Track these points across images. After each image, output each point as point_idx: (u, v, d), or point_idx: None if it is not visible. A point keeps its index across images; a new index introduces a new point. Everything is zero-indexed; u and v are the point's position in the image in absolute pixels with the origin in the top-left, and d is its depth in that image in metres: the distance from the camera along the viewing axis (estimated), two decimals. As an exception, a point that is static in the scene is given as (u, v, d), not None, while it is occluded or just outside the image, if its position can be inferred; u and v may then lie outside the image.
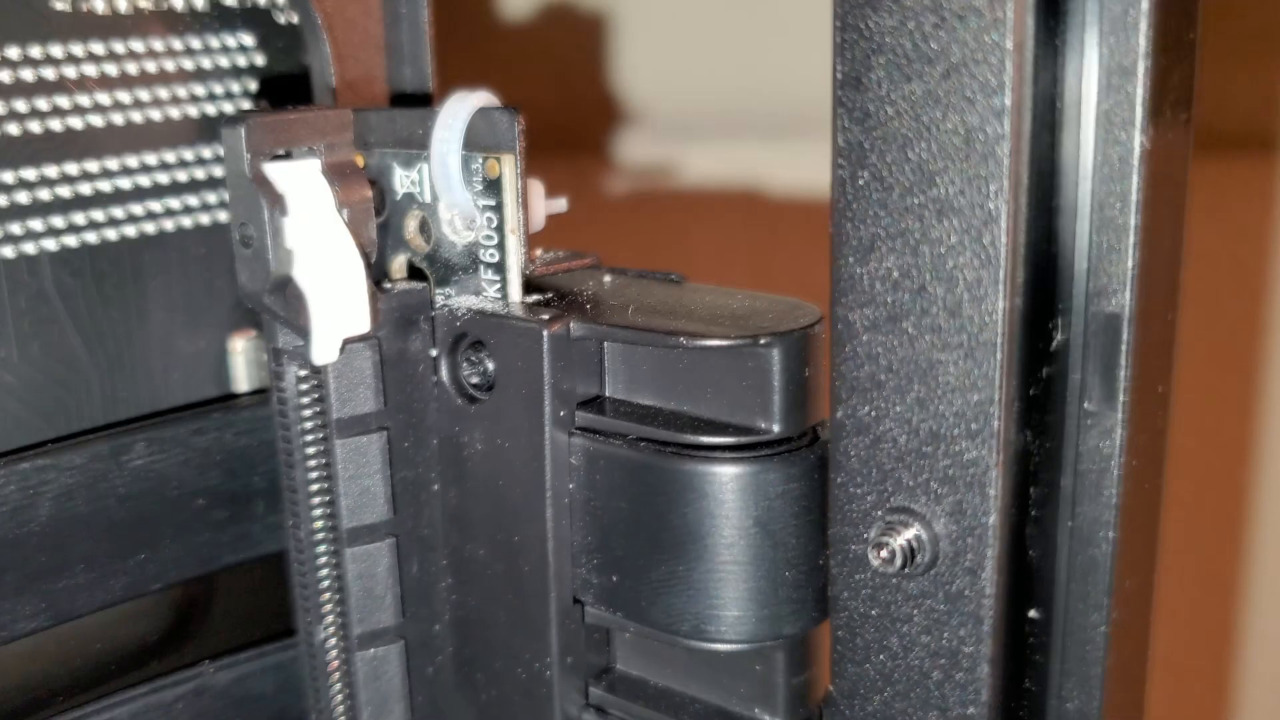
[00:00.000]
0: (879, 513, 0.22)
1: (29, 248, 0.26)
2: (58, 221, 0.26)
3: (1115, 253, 0.21)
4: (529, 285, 0.26)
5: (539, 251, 0.28)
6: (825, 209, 0.22)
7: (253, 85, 0.29)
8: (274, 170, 0.24)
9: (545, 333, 0.25)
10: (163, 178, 0.28)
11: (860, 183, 0.21)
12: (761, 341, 0.24)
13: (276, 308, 0.24)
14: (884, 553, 0.22)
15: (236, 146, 0.24)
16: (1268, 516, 0.52)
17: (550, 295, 0.27)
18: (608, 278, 0.28)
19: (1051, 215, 0.21)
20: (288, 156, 0.25)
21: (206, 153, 0.28)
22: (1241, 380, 0.51)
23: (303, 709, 0.29)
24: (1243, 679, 0.52)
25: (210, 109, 0.28)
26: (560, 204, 0.28)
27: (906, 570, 0.22)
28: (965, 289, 0.21)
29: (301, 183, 0.24)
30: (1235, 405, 0.51)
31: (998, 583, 0.21)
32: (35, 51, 0.26)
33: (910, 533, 0.22)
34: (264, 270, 0.24)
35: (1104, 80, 0.20)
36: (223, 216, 0.29)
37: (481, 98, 0.26)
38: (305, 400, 0.26)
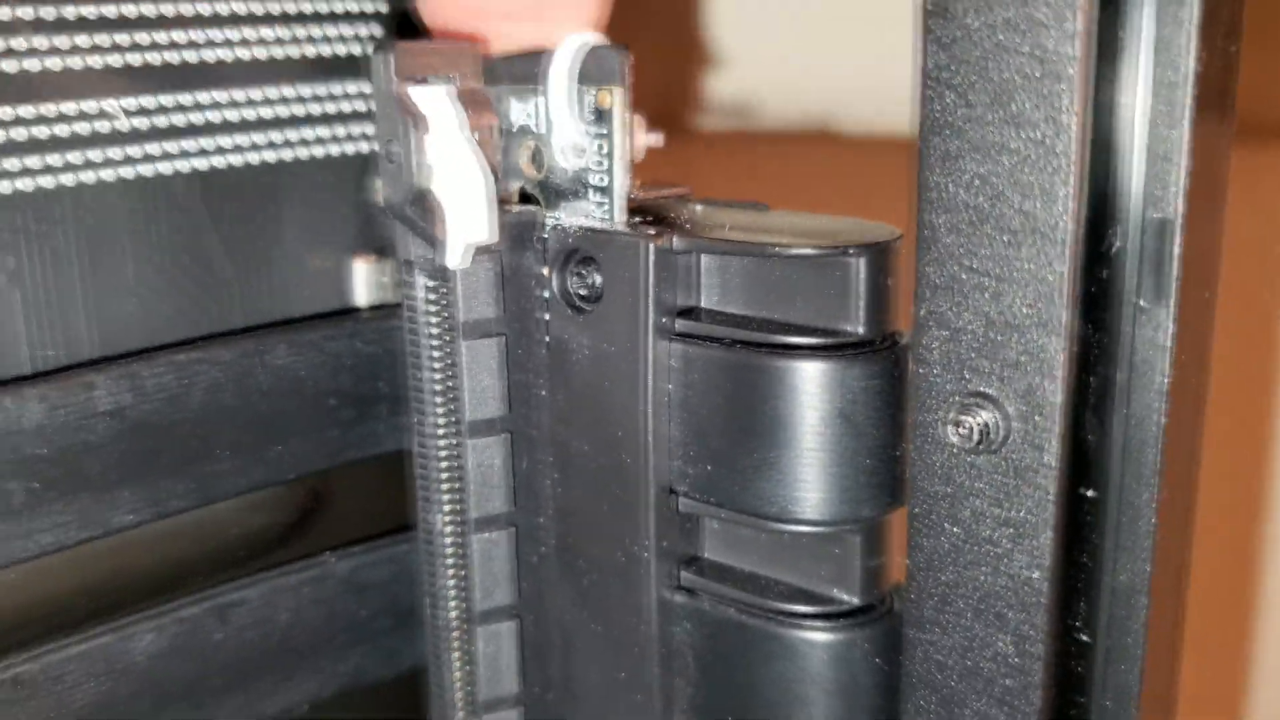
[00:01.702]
0: (957, 398, 0.25)
1: (182, 166, 0.29)
2: (206, 144, 0.29)
3: (1167, 164, 0.24)
4: (630, 209, 0.29)
5: (638, 181, 0.31)
6: (891, 154, 0.25)
7: (378, 29, 0.32)
8: (416, 93, 0.27)
9: (650, 245, 0.28)
10: (298, 110, 0.31)
11: (946, 101, 0.24)
12: (850, 251, 0.27)
13: (415, 217, 0.27)
14: (962, 429, 0.25)
15: (384, 70, 0.27)
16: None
17: (650, 217, 0.29)
18: (699, 205, 0.31)
19: (1111, 132, 0.24)
20: (424, 82, 0.28)
21: (336, 89, 0.31)
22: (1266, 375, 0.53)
23: (413, 597, 0.32)
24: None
25: (340, 49, 0.31)
26: (656, 138, 0.31)
27: (980, 447, 0.25)
28: (1038, 194, 0.23)
29: (438, 105, 0.27)
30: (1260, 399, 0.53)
31: (1060, 457, 0.24)
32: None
33: (985, 413, 0.25)
34: (406, 183, 0.27)
35: (1160, 9, 0.23)
36: (349, 149, 0.32)
37: (594, 37, 0.29)
38: (433, 306, 0.29)
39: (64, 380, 0.27)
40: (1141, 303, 0.25)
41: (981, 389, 0.25)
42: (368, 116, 0.32)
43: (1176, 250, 0.24)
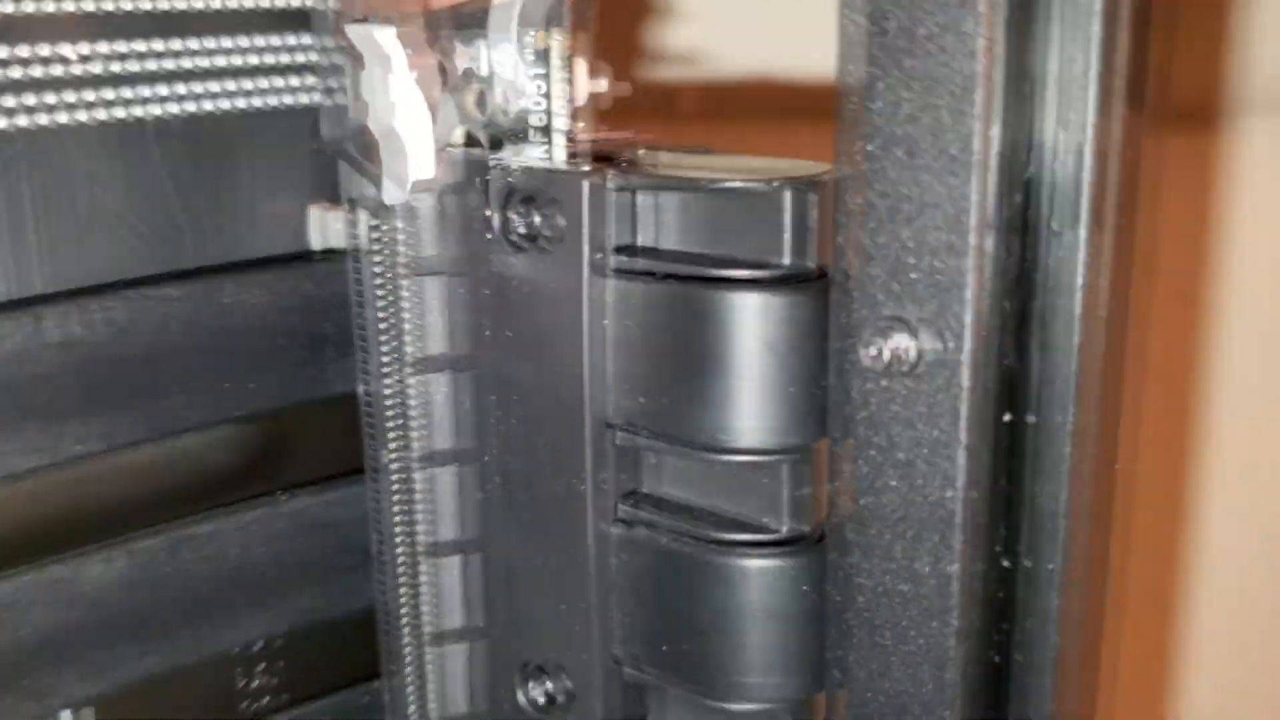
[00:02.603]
0: (872, 322, 0.25)
1: (138, 112, 0.30)
2: (162, 91, 0.30)
3: (1081, 89, 0.24)
4: (577, 153, 0.30)
5: (581, 124, 0.32)
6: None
7: (329, -19, 0.32)
8: (355, 31, 0.28)
9: (586, 183, 0.28)
10: (253, 60, 0.31)
11: (860, 25, 0.25)
12: (774, 184, 0.27)
13: (353, 152, 0.28)
14: (873, 351, 0.25)
15: (326, 8, 0.28)
16: (1208, 506, 0.56)
17: (590, 158, 0.30)
18: (643, 150, 0.31)
19: (1027, 56, 0.25)
20: (365, 22, 0.28)
21: (292, 41, 0.32)
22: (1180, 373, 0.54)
23: (361, 536, 0.33)
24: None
25: (296, 1, 0.32)
26: (601, 84, 0.31)
27: (894, 369, 0.25)
28: (950, 116, 0.24)
29: (379, 44, 0.28)
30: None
31: (972, 379, 0.25)
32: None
33: (899, 337, 0.25)
34: (345, 119, 0.28)
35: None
36: (304, 99, 0.32)
37: (533, -20, 0.29)
38: (376, 245, 0.29)
39: (13, 311, 0.28)
40: (1055, 226, 0.25)
41: (896, 313, 0.25)
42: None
43: (1088, 175, 0.25)
